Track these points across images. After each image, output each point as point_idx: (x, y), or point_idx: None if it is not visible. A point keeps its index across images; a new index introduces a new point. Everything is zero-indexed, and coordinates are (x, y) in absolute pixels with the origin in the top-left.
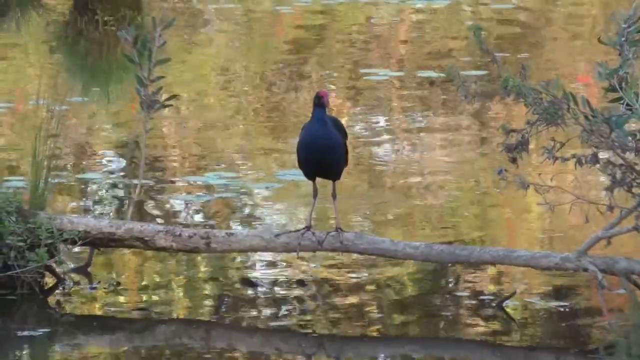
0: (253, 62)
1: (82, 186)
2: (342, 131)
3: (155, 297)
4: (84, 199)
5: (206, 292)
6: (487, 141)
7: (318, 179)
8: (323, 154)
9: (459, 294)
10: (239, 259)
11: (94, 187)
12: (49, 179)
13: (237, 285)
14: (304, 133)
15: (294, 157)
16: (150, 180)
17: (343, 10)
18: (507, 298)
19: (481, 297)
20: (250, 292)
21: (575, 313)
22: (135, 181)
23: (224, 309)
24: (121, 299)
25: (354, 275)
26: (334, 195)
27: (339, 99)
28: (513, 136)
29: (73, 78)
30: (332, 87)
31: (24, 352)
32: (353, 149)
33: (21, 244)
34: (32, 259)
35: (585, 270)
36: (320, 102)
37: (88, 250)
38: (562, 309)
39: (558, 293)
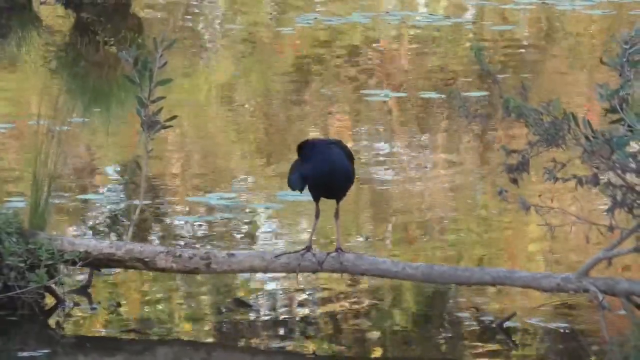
0: (254, 83)
1: (83, 207)
2: (347, 153)
3: (155, 318)
4: (84, 219)
5: (207, 312)
6: (487, 162)
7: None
8: (332, 176)
9: (459, 314)
10: (240, 279)
11: (95, 207)
12: (50, 200)
13: (235, 306)
14: (314, 160)
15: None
16: (151, 201)
17: (344, 31)
18: (508, 319)
19: (481, 318)
20: (251, 312)
21: (576, 334)
22: (135, 202)
23: (224, 330)
24: (121, 319)
25: (354, 296)
26: (336, 216)
27: (341, 120)
28: (513, 157)
29: (74, 99)
30: (332, 109)
31: None
32: (355, 169)
33: (21, 264)
34: (33, 280)
35: (586, 291)
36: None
37: (88, 271)
38: (562, 330)
39: (558, 314)
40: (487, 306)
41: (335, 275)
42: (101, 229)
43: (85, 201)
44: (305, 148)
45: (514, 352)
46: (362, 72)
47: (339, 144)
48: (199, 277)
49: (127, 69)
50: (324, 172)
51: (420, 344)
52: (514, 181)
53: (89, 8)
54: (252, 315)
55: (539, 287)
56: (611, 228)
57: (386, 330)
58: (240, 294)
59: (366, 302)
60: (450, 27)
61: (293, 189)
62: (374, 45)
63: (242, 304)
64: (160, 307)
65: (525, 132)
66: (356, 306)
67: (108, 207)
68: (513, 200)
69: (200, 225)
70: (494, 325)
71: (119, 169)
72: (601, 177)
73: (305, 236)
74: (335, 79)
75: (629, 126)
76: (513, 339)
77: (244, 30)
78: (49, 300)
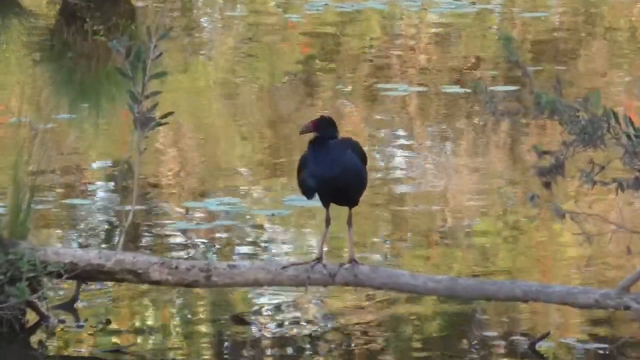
0: (260, 77)
1: (69, 213)
2: (361, 155)
3: (148, 336)
4: (70, 227)
5: (204, 331)
6: (517, 164)
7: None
8: (341, 180)
9: (486, 333)
10: (241, 293)
11: (82, 214)
12: (32, 205)
13: (234, 324)
14: (318, 161)
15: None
16: (144, 206)
17: (358, 19)
18: (541, 339)
19: (511, 338)
20: (251, 330)
21: (617, 355)
22: (127, 207)
23: (223, 349)
24: (111, 338)
25: (370, 312)
26: (349, 223)
27: (355, 117)
28: (546, 158)
29: (59, 93)
30: (347, 102)
31: None
32: (370, 172)
33: (0, 277)
34: (13, 294)
35: (628, 308)
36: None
37: (75, 284)
38: (601, 351)
39: (597, 333)
40: (518, 324)
41: (346, 288)
42: (89, 237)
43: (72, 207)
44: (316, 144)
45: None
46: (378, 65)
47: (353, 145)
48: (196, 291)
49: (119, 61)
50: (333, 175)
51: None
52: (547, 185)
53: None
54: (252, 333)
55: (575, 304)
56: None
57: (403, 350)
58: (241, 309)
59: (380, 318)
60: (475, 14)
61: (306, 191)
62: (391, 33)
63: (241, 322)
64: (153, 324)
65: (559, 130)
66: (372, 325)
67: (97, 213)
68: (546, 207)
69: (199, 233)
70: (525, 346)
71: (109, 171)
72: None
73: (315, 245)
74: (349, 72)
75: None
76: None
77: (247, 18)
78: (31, 317)
